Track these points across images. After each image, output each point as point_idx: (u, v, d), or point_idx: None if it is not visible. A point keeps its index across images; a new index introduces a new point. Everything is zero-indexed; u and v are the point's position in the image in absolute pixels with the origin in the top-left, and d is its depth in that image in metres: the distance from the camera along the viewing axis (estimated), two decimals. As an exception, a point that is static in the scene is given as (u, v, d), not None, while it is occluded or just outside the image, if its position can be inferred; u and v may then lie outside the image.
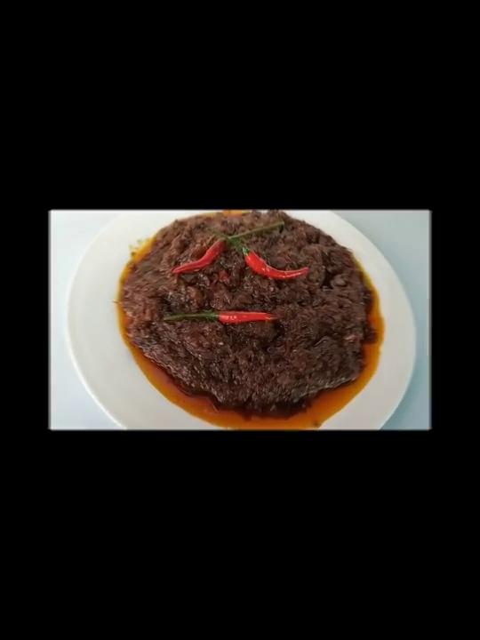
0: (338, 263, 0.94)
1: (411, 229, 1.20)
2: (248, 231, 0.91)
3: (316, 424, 0.69)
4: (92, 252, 0.84)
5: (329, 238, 1.02)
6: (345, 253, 0.97)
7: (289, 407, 0.70)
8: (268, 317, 0.75)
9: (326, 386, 0.73)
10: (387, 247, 1.03)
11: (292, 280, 0.82)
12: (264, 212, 1.04)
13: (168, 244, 0.91)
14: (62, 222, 0.95)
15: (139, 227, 0.94)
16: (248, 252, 0.80)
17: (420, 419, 0.76)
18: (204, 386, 0.70)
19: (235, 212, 1.06)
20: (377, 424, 0.68)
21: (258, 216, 1.02)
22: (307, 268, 0.85)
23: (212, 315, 0.74)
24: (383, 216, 1.17)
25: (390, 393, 0.73)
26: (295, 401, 0.71)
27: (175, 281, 0.78)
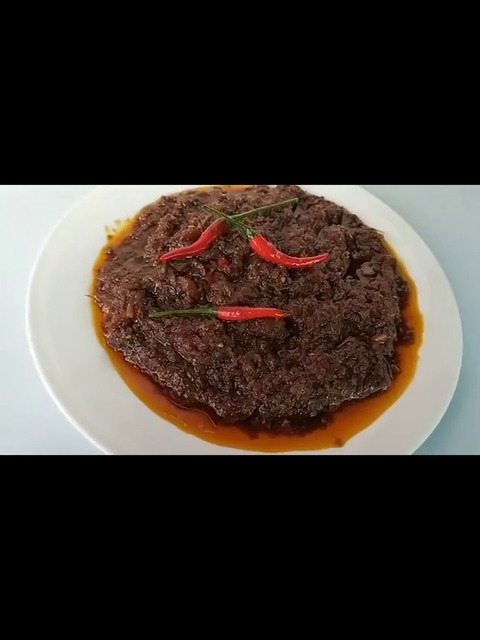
0: (365, 248, 1.00)
1: (455, 208, 1.26)
2: (253, 209, 0.96)
3: (339, 443, 0.73)
4: (58, 234, 0.89)
5: (354, 218, 1.08)
6: (374, 236, 1.03)
7: (305, 422, 0.75)
8: (278, 314, 0.80)
9: (351, 397, 0.78)
10: (425, 229, 1.08)
11: (308, 269, 0.87)
12: (273, 186, 1.10)
13: (153, 224, 0.96)
14: (21, 199, 1.02)
15: (117, 204, 0.99)
16: (253, 234, 0.85)
17: (465, 440, 0.80)
18: (200, 397, 0.74)
19: (236, 187, 1.12)
20: (412, 446, 0.72)
21: (265, 191, 1.08)
22: (326, 254, 0.90)
23: (210, 311, 0.79)
24: (421, 191, 1.23)
25: (429, 407, 0.77)
26: (313, 415, 0.75)
27: (163, 270, 0.83)
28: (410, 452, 0.72)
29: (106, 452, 0.65)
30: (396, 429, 0.75)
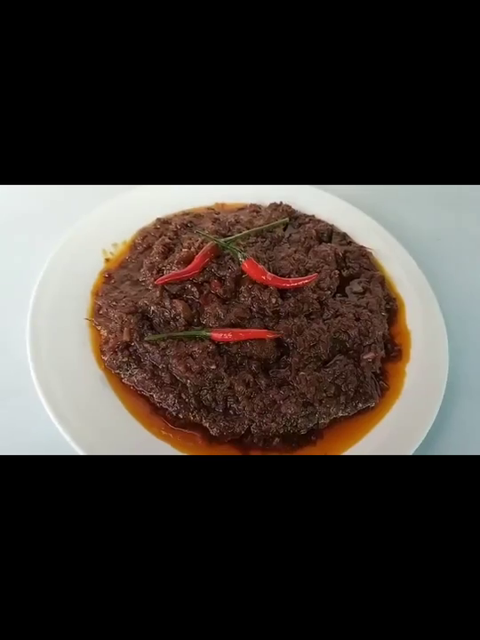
0: (355, 266, 1.02)
1: (439, 217, 1.29)
2: (245, 231, 0.99)
3: (328, 460, 0.75)
4: (57, 258, 0.93)
5: (344, 236, 1.11)
6: (363, 254, 1.05)
7: (296, 440, 0.78)
8: (269, 335, 0.82)
9: (340, 414, 0.81)
10: (415, 245, 1.11)
11: (298, 289, 0.90)
12: (265, 205, 1.13)
13: (149, 247, 0.99)
14: (22, 220, 1.06)
15: (113, 227, 1.02)
16: (245, 257, 0.88)
17: (450, 449, 0.83)
18: (194, 417, 0.77)
19: (229, 206, 1.15)
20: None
21: (257, 211, 1.11)
22: (316, 274, 0.93)
23: (203, 333, 0.82)
24: (413, 207, 1.26)
25: (416, 422, 0.80)
26: (303, 432, 0.78)
27: (158, 293, 0.86)
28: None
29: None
30: (384, 445, 0.78)
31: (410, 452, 0.75)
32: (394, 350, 0.91)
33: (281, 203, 1.13)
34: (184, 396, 0.78)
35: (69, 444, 0.70)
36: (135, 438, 0.74)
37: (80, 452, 0.70)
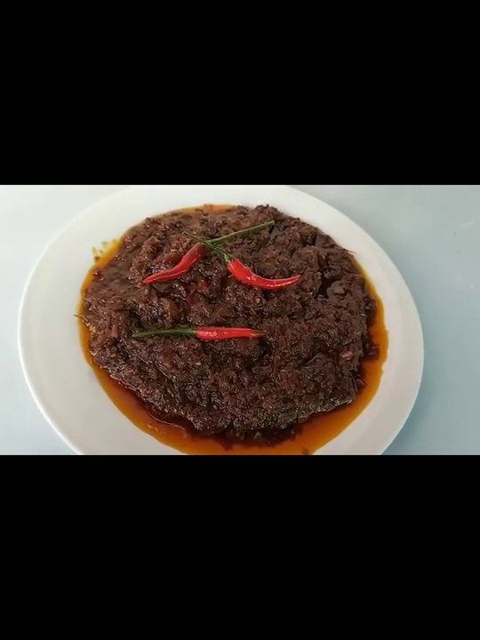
0: (337, 268, 1.05)
1: (416, 221, 1.33)
2: (232, 232, 1.02)
3: (307, 453, 0.79)
4: (48, 256, 0.94)
5: (328, 239, 1.14)
6: (345, 257, 1.08)
7: (276, 434, 0.80)
8: (252, 334, 0.85)
9: (319, 410, 0.84)
10: (395, 249, 1.14)
11: (281, 290, 0.93)
12: (252, 208, 1.15)
13: (138, 246, 1.01)
14: (14, 219, 1.07)
15: (104, 226, 1.04)
16: (231, 258, 0.91)
17: (425, 445, 0.86)
18: (179, 411, 0.79)
19: (217, 208, 1.17)
20: (376, 452, 0.78)
21: (244, 213, 1.13)
22: (299, 275, 0.96)
23: (189, 331, 0.84)
24: (397, 213, 1.30)
25: (391, 418, 0.83)
26: (283, 427, 0.81)
27: (146, 291, 0.88)
28: (372, 461, 0.77)
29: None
30: (359, 439, 0.81)
31: (384, 448, 0.79)
32: (371, 349, 0.94)
33: (267, 205, 1.16)
34: (170, 391, 0.80)
35: (58, 437, 0.72)
36: (122, 431, 0.77)
37: (68, 444, 0.71)
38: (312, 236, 1.11)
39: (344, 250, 1.11)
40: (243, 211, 1.14)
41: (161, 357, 0.81)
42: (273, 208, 1.15)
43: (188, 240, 0.96)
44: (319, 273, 1.01)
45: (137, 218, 1.09)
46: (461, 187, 1.35)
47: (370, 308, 1.01)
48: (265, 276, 0.94)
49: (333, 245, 1.12)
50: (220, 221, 1.06)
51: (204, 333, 0.83)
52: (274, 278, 0.94)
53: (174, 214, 1.12)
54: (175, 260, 0.92)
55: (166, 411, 0.79)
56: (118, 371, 0.82)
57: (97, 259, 1.00)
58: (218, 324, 0.86)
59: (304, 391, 0.82)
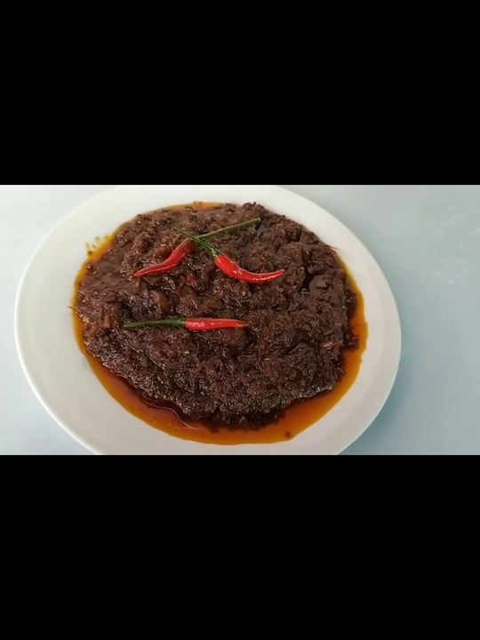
0: (319, 263, 1.10)
1: (399, 219, 1.38)
2: (220, 228, 1.06)
3: (289, 436, 0.83)
4: (43, 250, 0.97)
5: (312, 235, 1.18)
6: (328, 252, 1.13)
7: (260, 418, 0.85)
8: (238, 324, 0.89)
9: (301, 396, 0.88)
10: (376, 245, 1.19)
11: (266, 283, 0.97)
12: (239, 205, 1.19)
13: (129, 241, 1.05)
14: (10, 217, 1.10)
15: (97, 222, 1.07)
16: (218, 253, 0.95)
17: (403, 432, 0.91)
18: (168, 397, 0.83)
19: (206, 205, 1.21)
20: (352, 437, 0.82)
21: (232, 210, 1.17)
22: (283, 270, 1.00)
23: (178, 321, 0.88)
24: (379, 212, 1.35)
25: (369, 403, 0.88)
26: (266, 412, 0.85)
27: (137, 284, 0.92)
28: (350, 442, 0.82)
29: (85, 446, 0.74)
30: (339, 423, 0.85)
31: (362, 431, 0.83)
32: (351, 340, 0.99)
33: (254, 203, 1.19)
34: (159, 379, 0.84)
35: (55, 422, 0.76)
36: (114, 416, 0.80)
37: (64, 429, 0.75)
38: (297, 233, 1.15)
39: (327, 246, 1.15)
40: (231, 208, 1.18)
41: (151, 346, 0.85)
42: (260, 206, 1.19)
43: (178, 235, 1.00)
44: (303, 267, 1.06)
45: (128, 214, 1.12)
46: (442, 187, 1.41)
47: (351, 301, 1.06)
48: (251, 271, 0.98)
49: (317, 242, 1.16)
50: (209, 218, 1.10)
51: (193, 324, 0.87)
52: (259, 272, 0.98)
53: (165, 211, 1.15)
54: (165, 255, 0.96)
55: (156, 397, 0.83)
56: (111, 359, 0.86)
57: (90, 253, 1.03)
58: (205, 315, 0.90)
59: (287, 378, 0.86)
